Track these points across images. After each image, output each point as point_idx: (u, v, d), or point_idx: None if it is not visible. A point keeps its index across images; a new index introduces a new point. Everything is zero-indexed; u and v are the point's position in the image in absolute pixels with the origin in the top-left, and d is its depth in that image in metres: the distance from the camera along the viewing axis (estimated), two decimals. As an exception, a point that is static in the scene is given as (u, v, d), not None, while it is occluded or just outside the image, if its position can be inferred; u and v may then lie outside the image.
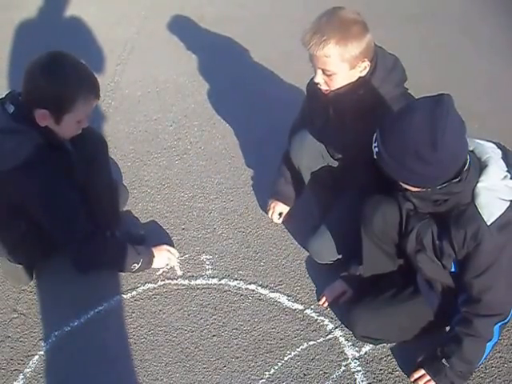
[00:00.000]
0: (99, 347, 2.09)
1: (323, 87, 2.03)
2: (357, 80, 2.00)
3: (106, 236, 2.26)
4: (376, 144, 1.67)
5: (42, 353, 2.08)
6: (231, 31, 4.01)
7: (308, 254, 2.39)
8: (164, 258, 2.33)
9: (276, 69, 3.57)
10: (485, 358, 1.90)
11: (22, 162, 1.92)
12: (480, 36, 3.86)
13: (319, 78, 2.01)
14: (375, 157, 1.68)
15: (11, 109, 1.94)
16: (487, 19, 4.03)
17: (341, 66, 1.95)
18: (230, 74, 3.57)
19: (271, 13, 4.25)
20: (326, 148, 2.28)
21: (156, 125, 3.18)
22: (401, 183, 1.73)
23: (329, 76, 1.98)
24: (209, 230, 2.54)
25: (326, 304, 2.18)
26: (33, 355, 2.07)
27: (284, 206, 2.51)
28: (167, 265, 2.35)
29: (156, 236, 2.49)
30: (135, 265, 2.23)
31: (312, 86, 2.16)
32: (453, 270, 1.83)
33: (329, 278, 2.25)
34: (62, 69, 1.94)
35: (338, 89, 2.01)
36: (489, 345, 1.84)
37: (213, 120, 3.20)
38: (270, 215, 2.54)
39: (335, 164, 2.30)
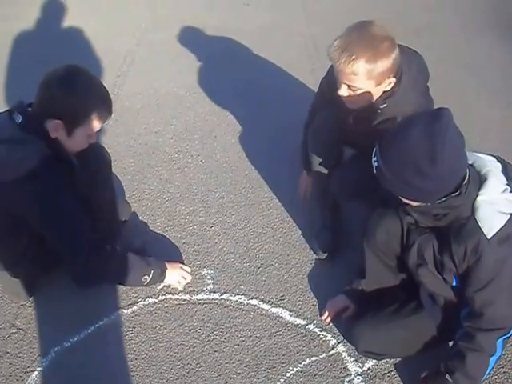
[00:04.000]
0: (99, 363, 2.07)
1: (346, 100, 2.02)
2: (381, 95, 2.00)
3: (114, 248, 2.20)
4: (376, 159, 1.66)
5: (41, 369, 2.06)
6: (232, 43, 4.02)
7: (310, 268, 2.38)
8: (176, 274, 2.29)
9: (278, 82, 3.57)
10: (489, 373, 1.88)
11: (26, 173, 1.90)
12: (479, 48, 3.88)
13: (343, 92, 1.99)
14: (374, 171, 1.68)
15: (19, 119, 1.93)
16: (485, 32, 4.05)
17: (367, 83, 1.94)
18: (230, 86, 3.57)
19: (272, 25, 4.27)
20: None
21: (156, 137, 3.18)
22: (401, 198, 1.72)
23: (354, 91, 1.97)
24: (210, 245, 2.52)
25: (329, 319, 2.16)
26: (32, 371, 2.05)
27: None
28: (179, 283, 2.31)
29: (157, 250, 2.47)
30: (146, 277, 2.17)
31: (328, 82, 2.18)
32: (454, 284, 1.82)
33: (331, 292, 2.23)
34: (79, 82, 1.95)
35: (361, 107, 2.02)
36: (492, 359, 1.82)
37: (214, 133, 3.20)
38: (300, 191, 2.64)
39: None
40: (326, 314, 2.17)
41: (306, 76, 3.58)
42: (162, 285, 2.31)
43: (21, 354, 2.10)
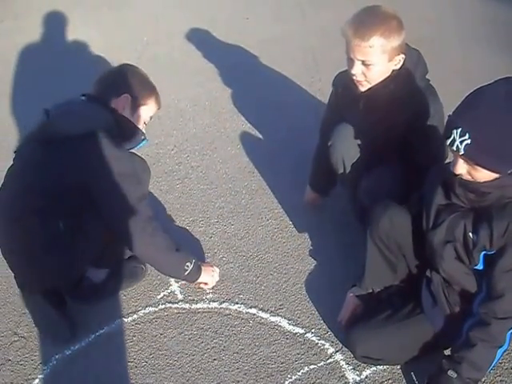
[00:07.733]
0: (100, 371, 2.09)
1: (359, 78, 2.11)
2: (390, 74, 2.10)
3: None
4: (466, 137, 1.62)
5: (42, 376, 2.08)
6: (232, 57, 4.07)
7: (308, 278, 2.40)
8: (209, 274, 2.33)
9: (277, 94, 3.62)
10: (494, 366, 1.87)
11: (92, 131, 1.96)
12: (476, 60, 3.90)
13: (357, 69, 2.08)
14: (463, 152, 1.64)
15: (82, 97, 2.12)
16: (482, 44, 4.09)
17: (381, 57, 2.05)
18: (230, 99, 3.62)
19: (271, 39, 4.32)
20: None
21: (157, 149, 3.22)
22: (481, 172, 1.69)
23: (367, 66, 2.06)
24: (209, 254, 2.55)
25: (344, 322, 2.15)
26: (33, 379, 2.07)
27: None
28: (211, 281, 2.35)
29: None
30: (188, 264, 2.17)
31: (341, 80, 2.26)
32: (478, 266, 1.82)
33: (328, 301, 2.26)
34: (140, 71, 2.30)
35: (374, 86, 2.11)
36: (499, 351, 1.81)
37: (214, 144, 3.24)
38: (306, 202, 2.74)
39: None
40: (342, 317, 2.16)
41: (305, 88, 3.63)
42: (161, 294, 2.35)
43: (22, 362, 2.13)
